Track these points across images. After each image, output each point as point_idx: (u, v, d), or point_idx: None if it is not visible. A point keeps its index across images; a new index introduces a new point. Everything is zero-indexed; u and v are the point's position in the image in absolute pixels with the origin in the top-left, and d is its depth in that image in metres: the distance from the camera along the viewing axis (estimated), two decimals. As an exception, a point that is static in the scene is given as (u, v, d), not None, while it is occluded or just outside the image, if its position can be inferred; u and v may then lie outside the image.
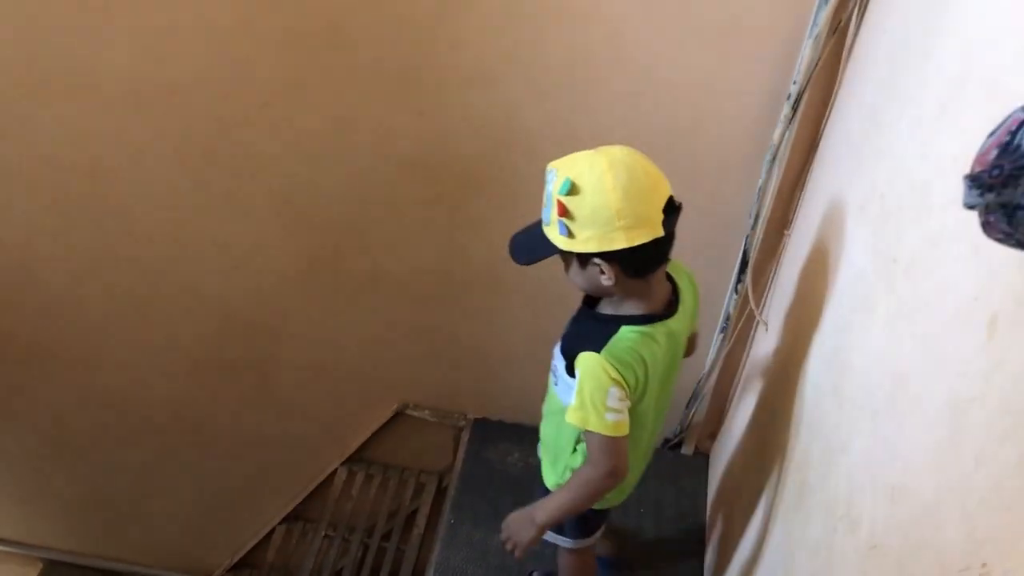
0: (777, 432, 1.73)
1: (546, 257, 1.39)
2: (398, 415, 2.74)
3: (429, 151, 2.03)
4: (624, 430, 1.42)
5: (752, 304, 2.04)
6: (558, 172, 1.32)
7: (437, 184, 2.09)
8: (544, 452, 1.76)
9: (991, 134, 0.56)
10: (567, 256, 1.40)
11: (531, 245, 1.41)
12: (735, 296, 2.12)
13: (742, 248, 2.03)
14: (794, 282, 1.80)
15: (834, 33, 1.65)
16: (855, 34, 1.63)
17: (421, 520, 2.96)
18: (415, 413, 2.72)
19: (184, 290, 2.46)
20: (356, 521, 3.07)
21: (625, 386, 1.41)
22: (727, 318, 2.17)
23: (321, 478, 2.98)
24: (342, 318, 2.49)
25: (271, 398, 2.77)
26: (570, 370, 1.47)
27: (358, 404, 2.75)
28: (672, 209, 1.35)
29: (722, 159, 1.94)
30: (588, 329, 1.48)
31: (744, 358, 2.25)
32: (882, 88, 1.40)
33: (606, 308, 1.50)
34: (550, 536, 1.79)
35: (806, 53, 1.67)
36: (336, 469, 2.93)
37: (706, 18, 1.73)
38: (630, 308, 1.45)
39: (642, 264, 1.39)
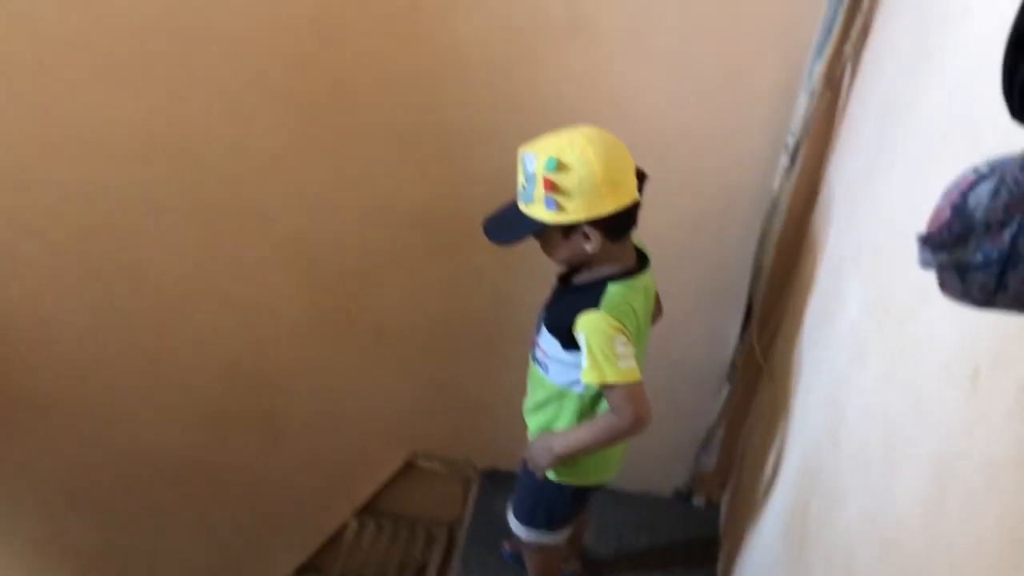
0: (780, 482, 1.72)
1: (530, 233, 1.48)
2: (408, 466, 2.74)
3: (434, 205, 2.06)
4: (638, 375, 1.50)
5: (758, 353, 2.04)
6: (536, 154, 1.42)
7: (442, 237, 2.12)
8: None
9: (945, 194, 0.57)
10: (549, 231, 1.48)
11: (511, 226, 1.50)
12: (740, 345, 2.12)
13: (746, 298, 2.03)
14: (797, 331, 1.80)
15: (829, 86, 1.67)
16: (849, 87, 1.65)
17: (432, 572, 2.94)
18: (425, 464, 2.71)
19: (195, 343, 2.49)
20: (367, 573, 3.05)
21: (627, 332, 1.50)
22: (733, 367, 2.17)
23: (332, 529, 2.97)
24: (351, 369, 2.50)
25: (282, 450, 2.77)
26: (565, 343, 1.55)
27: (367, 455, 2.75)
28: (641, 176, 1.48)
29: (724, 210, 1.96)
30: (574, 299, 1.55)
31: (752, 407, 2.24)
32: (874, 139, 1.42)
33: (584, 278, 1.58)
34: (515, 526, 1.90)
35: (802, 105, 1.69)
36: (347, 521, 2.92)
37: (705, 72, 1.76)
38: (610, 269, 1.54)
39: (623, 226, 1.50)
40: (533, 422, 1.77)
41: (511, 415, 1.84)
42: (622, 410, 1.53)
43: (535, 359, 1.70)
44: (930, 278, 1.00)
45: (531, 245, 1.53)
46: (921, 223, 1.08)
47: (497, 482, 2.66)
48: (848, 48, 1.61)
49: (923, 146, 1.13)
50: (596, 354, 1.48)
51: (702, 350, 2.22)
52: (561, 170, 1.40)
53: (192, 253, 2.26)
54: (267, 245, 2.22)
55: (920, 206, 1.13)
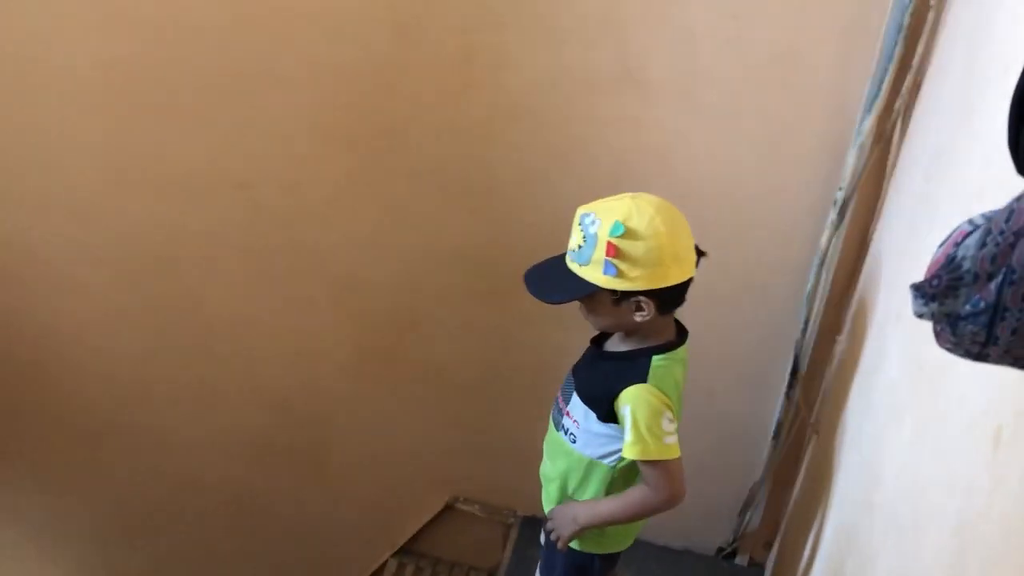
0: (821, 543, 1.67)
1: (582, 296, 1.44)
2: (448, 508, 2.74)
3: (481, 249, 2.09)
4: (678, 451, 1.48)
5: (803, 411, 2.00)
6: (599, 216, 1.38)
7: (488, 280, 2.14)
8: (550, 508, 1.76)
9: (940, 245, 0.57)
10: (599, 296, 1.43)
11: (559, 285, 1.45)
12: (787, 401, 2.08)
13: (793, 354, 2.00)
14: (845, 389, 1.76)
15: (879, 142, 1.66)
16: (899, 143, 1.64)
17: (470, 618, 2.92)
18: (465, 507, 2.71)
19: (246, 377, 2.55)
20: (406, 615, 3.04)
21: (673, 408, 1.48)
22: (779, 424, 2.13)
23: (372, 569, 2.98)
24: (395, 408, 2.53)
25: (325, 486, 2.80)
26: (603, 416, 1.51)
27: (409, 495, 2.76)
28: (700, 253, 1.47)
29: (771, 264, 1.94)
30: (617, 369, 1.51)
31: (801, 465, 2.19)
32: (919, 196, 1.40)
33: (621, 345, 1.55)
34: None
35: (851, 161, 1.68)
36: (386, 561, 2.93)
37: (754, 125, 1.77)
38: (655, 341, 1.51)
39: (676, 300, 1.48)
40: (552, 489, 1.72)
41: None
42: (659, 487, 1.49)
43: (560, 427, 1.65)
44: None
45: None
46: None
47: (536, 530, 2.63)
48: (899, 104, 1.60)
49: (960, 204, 1.11)
50: (642, 430, 1.44)
51: (748, 406, 2.19)
52: (628, 236, 1.35)
53: (246, 288, 2.33)
54: (319, 283, 2.27)
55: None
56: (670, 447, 1.46)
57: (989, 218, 0.53)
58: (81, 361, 2.66)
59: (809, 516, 1.92)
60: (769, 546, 2.46)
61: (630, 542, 1.77)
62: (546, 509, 1.76)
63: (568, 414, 1.62)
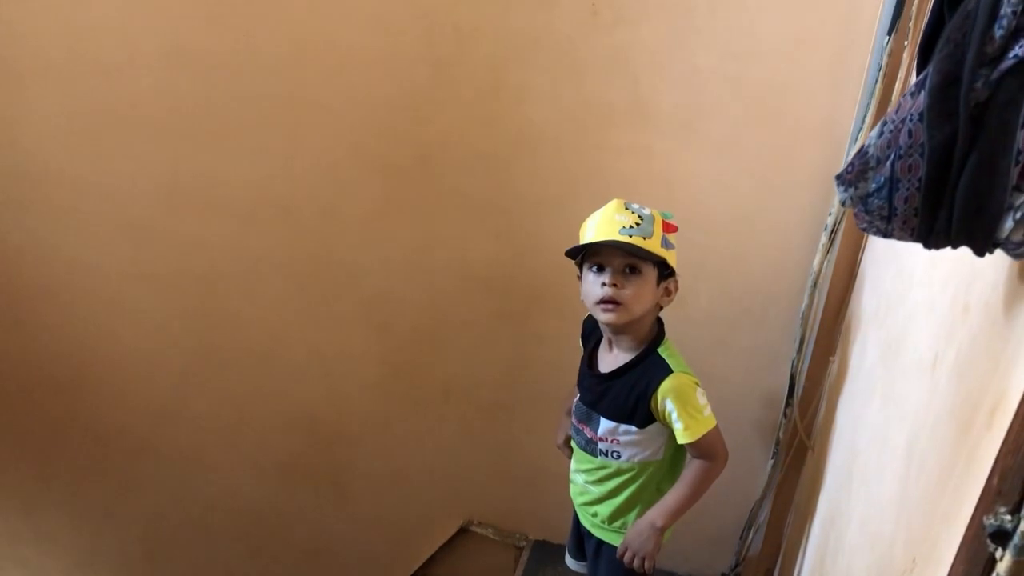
0: (809, 539, 1.78)
1: (654, 261, 1.60)
2: (463, 531, 2.84)
3: (503, 270, 2.26)
4: (714, 418, 1.64)
5: (800, 431, 2.12)
6: (637, 205, 1.61)
7: (508, 300, 2.31)
8: (610, 527, 1.83)
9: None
10: (650, 273, 1.60)
11: (637, 249, 1.58)
12: (784, 422, 2.20)
13: (789, 374, 2.14)
14: (836, 406, 1.89)
15: (864, 170, 1.83)
16: (882, 171, 1.80)
17: (480, 646, 2.98)
18: (479, 530, 2.81)
19: (278, 393, 2.70)
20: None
21: (698, 383, 1.64)
22: (777, 444, 2.25)
23: (387, 594, 3.06)
24: (416, 429, 2.66)
25: (346, 506, 2.92)
26: (642, 422, 1.66)
27: (425, 517, 2.87)
28: None
29: (768, 287, 2.09)
30: (633, 378, 1.65)
31: (798, 486, 2.29)
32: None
33: (622, 358, 1.69)
34: None
35: (836, 186, 1.85)
36: (402, 584, 3.02)
37: (752, 156, 1.95)
38: (648, 337, 1.68)
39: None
40: (603, 511, 1.81)
41: (566, 490, 1.96)
42: (715, 453, 1.65)
43: (597, 453, 1.75)
44: (916, 298, 1.15)
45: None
46: (930, 272, 1.22)
47: (546, 554, 2.74)
48: (880, 136, 1.78)
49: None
50: (692, 413, 1.60)
51: (747, 426, 2.31)
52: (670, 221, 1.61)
53: (283, 309, 2.50)
54: (351, 302, 2.44)
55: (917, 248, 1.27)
56: (709, 418, 1.62)
57: (886, 115, 0.70)
58: (120, 380, 2.81)
59: (801, 533, 2.02)
60: (770, 572, 2.53)
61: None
62: (596, 533, 1.86)
63: (602, 439, 1.73)
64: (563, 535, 2.73)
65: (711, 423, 1.62)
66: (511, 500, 2.76)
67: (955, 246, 0.66)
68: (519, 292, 2.29)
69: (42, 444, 3.04)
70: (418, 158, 2.16)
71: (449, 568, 2.97)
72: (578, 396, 1.82)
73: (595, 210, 1.68)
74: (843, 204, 0.74)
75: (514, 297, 2.30)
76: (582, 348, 1.86)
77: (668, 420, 1.63)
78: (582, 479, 1.84)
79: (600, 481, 1.79)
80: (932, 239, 0.67)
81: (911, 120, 0.65)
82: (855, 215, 0.74)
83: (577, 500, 1.91)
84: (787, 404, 2.17)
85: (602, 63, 1.92)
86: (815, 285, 1.99)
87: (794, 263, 2.03)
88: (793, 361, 2.11)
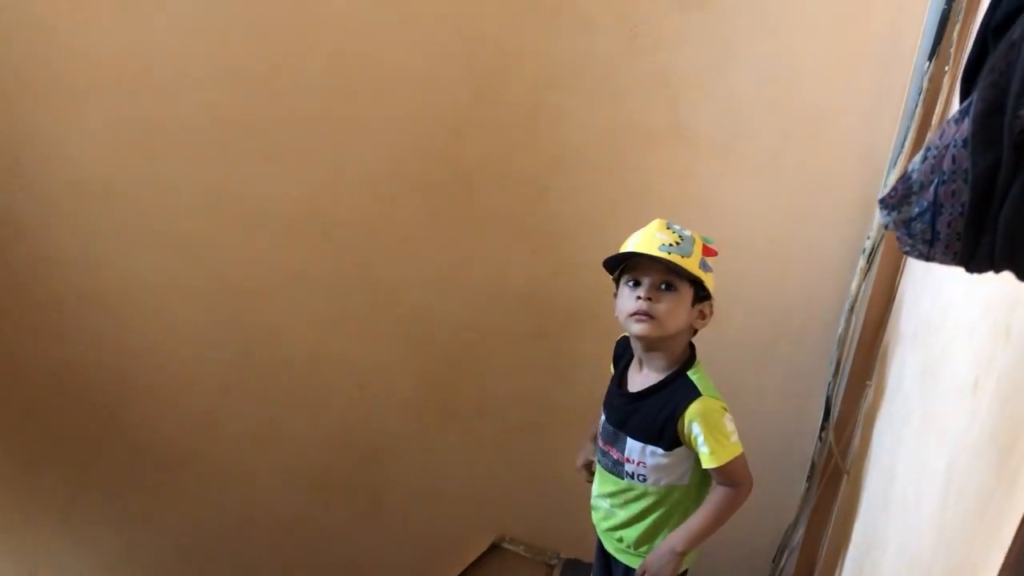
0: (844, 565, 1.77)
1: (691, 280, 1.62)
2: (494, 548, 2.85)
3: (538, 289, 2.28)
4: (741, 445, 1.63)
5: (836, 454, 2.11)
6: (679, 226, 1.63)
7: (545, 318, 2.33)
8: (636, 551, 1.82)
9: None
10: (686, 293, 1.62)
11: (675, 268, 1.60)
12: (819, 445, 2.19)
13: (825, 397, 2.13)
14: (873, 432, 1.88)
15: (904, 195, 1.83)
16: (922, 195, 1.80)
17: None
18: (510, 547, 2.82)
19: (315, 407, 2.73)
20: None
21: (727, 409, 1.64)
22: (812, 467, 2.24)
23: (418, 609, 3.07)
24: (450, 445, 2.68)
25: (379, 521, 2.94)
26: (669, 445, 1.65)
27: (458, 533, 2.88)
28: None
29: (804, 309, 2.10)
30: (662, 399, 1.66)
31: (833, 509, 2.28)
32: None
33: (652, 377, 1.69)
34: None
35: (878, 211, 1.85)
36: (432, 601, 3.02)
37: (790, 179, 1.96)
38: (680, 358, 1.68)
39: None
40: (630, 535, 1.80)
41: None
42: (740, 481, 1.64)
43: (623, 475, 1.75)
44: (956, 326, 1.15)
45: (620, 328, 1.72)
46: (971, 296, 1.22)
47: (577, 572, 2.73)
48: (920, 160, 1.78)
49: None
50: (718, 438, 1.60)
51: (783, 449, 2.30)
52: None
53: (322, 325, 2.54)
54: (390, 318, 2.47)
55: (957, 276, 1.27)
56: (736, 444, 1.62)
57: (929, 140, 0.71)
58: (161, 390, 2.86)
59: (836, 555, 2.01)
60: (804, 596, 2.52)
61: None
62: (621, 559, 1.85)
63: (628, 460, 1.73)
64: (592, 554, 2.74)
65: (738, 450, 1.62)
66: (543, 518, 2.77)
67: (998, 270, 0.67)
68: (555, 312, 2.31)
69: (82, 451, 3.10)
70: (458, 176, 2.19)
71: (480, 585, 2.98)
72: (604, 417, 1.83)
73: (634, 230, 1.70)
74: (886, 228, 0.75)
75: (550, 316, 2.32)
76: (612, 369, 1.87)
77: (694, 444, 1.63)
78: (607, 504, 1.84)
79: (626, 504, 1.79)
80: (974, 263, 0.68)
81: (955, 146, 0.66)
82: (897, 239, 0.75)
83: (602, 526, 1.90)
84: (822, 428, 2.16)
85: (641, 87, 1.95)
86: (852, 309, 1.99)
87: (831, 286, 2.03)
88: (829, 384, 2.10)
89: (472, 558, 2.88)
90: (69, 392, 2.93)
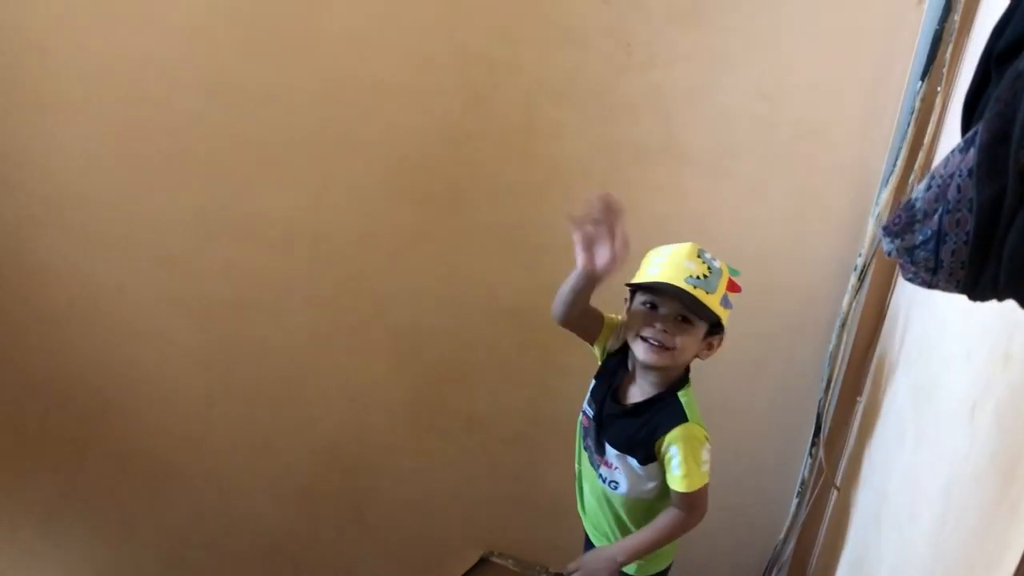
0: (837, 582, 1.77)
1: (709, 320, 1.58)
2: (483, 561, 2.83)
3: (529, 303, 2.27)
4: (708, 475, 1.62)
5: (826, 470, 2.11)
6: (709, 255, 1.57)
7: (534, 333, 2.32)
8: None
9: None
10: (700, 327, 1.58)
11: (698, 306, 1.55)
12: (809, 461, 2.20)
13: (816, 413, 2.13)
14: (865, 447, 1.88)
15: (895, 211, 1.84)
16: (913, 213, 1.81)
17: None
18: (499, 561, 2.80)
19: (302, 420, 2.72)
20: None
21: (708, 439, 1.63)
22: (802, 483, 2.24)
23: (405, 625, 3.05)
24: (438, 459, 2.67)
25: (366, 534, 2.92)
26: (644, 459, 1.63)
27: (446, 547, 2.87)
28: None
29: (795, 326, 2.10)
30: (650, 416, 1.63)
31: (823, 526, 2.28)
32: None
33: (647, 390, 1.66)
34: None
35: (870, 229, 1.86)
36: (420, 616, 3.01)
37: (782, 196, 1.97)
38: (674, 379, 1.65)
39: None
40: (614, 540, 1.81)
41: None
42: (695, 508, 1.63)
43: (602, 480, 1.76)
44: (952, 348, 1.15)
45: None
46: (968, 320, 1.23)
47: (567, 587, 2.72)
48: (912, 179, 1.79)
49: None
50: (691, 464, 1.59)
51: (772, 464, 2.31)
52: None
53: (310, 333, 2.53)
54: (379, 331, 2.46)
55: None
56: (705, 474, 1.60)
57: (934, 169, 0.71)
58: (146, 403, 2.84)
59: (826, 571, 2.01)
60: (793, 612, 2.52)
61: (671, 558, 1.86)
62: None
63: (608, 464, 1.73)
64: (583, 569, 2.72)
65: (706, 479, 1.61)
66: (532, 532, 2.76)
67: (1001, 299, 0.67)
68: (545, 325, 2.28)
69: (66, 461, 3.07)
70: (449, 190, 2.19)
71: (467, 599, 2.96)
72: (588, 416, 1.81)
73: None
74: (888, 255, 0.75)
75: (540, 330, 2.31)
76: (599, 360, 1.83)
77: (667, 463, 1.62)
78: (592, 507, 1.87)
79: (605, 510, 1.81)
80: (978, 292, 0.68)
81: (960, 175, 0.66)
82: (900, 266, 0.75)
83: (594, 535, 1.91)
84: (813, 444, 2.17)
85: (635, 102, 1.95)
86: (844, 325, 1.99)
87: (823, 303, 2.03)
88: (820, 400, 2.11)
89: (461, 572, 2.87)
90: (55, 404, 2.90)
